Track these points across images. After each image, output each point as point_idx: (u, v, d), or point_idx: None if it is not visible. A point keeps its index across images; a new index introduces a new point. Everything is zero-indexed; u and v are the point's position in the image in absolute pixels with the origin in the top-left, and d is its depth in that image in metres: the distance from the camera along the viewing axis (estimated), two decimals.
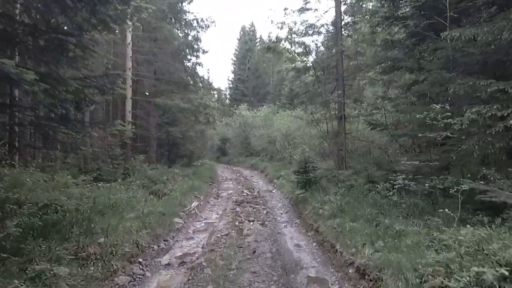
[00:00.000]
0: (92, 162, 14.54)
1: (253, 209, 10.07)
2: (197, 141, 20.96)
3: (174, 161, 19.87)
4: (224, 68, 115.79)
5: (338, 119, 10.68)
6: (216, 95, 49.37)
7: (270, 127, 27.48)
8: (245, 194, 13.05)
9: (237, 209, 10.00)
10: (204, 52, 20.13)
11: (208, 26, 20.53)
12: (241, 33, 56.68)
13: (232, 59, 57.88)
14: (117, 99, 18.80)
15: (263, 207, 10.49)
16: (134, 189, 10.47)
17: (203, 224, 8.40)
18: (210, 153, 46.68)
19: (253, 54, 53.42)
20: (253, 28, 56.30)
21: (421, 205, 5.84)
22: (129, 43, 17.48)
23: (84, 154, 14.29)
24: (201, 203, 10.76)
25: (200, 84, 22.23)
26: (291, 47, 14.26)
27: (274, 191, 15.76)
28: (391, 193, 6.42)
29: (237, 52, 56.62)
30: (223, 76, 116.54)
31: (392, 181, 6.55)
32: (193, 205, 9.98)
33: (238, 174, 24.32)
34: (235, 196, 12.71)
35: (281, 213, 9.74)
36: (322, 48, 18.48)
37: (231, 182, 19.86)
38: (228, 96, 57.71)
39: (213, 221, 8.73)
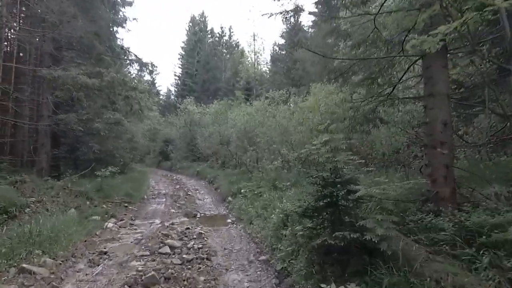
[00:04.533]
0: None
1: None
2: (113, 138, 13.82)
3: (89, 169, 12.50)
4: (172, 68, 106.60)
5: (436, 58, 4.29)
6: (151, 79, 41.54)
7: (223, 125, 21.04)
8: (174, 245, 6.04)
9: None
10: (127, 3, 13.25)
11: None
12: (190, 23, 49.66)
13: (179, 53, 50.56)
14: None
15: None
16: None
17: None
18: (151, 157, 39.28)
19: (203, 45, 46.67)
20: (203, 18, 49.61)
21: None
22: None
23: None
24: None
25: (124, 57, 15.17)
26: None
27: (230, 220, 9.36)
28: None
29: (185, 45, 49.44)
30: (169, 74, 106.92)
31: None
32: None
33: (178, 186, 17.50)
34: (146, 258, 5.47)
35: None
36: None
37: (163, 202, 13.04)
38: (173, 93, 50.24)
39: None
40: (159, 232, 6.98)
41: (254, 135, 15.37)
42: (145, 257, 5.36)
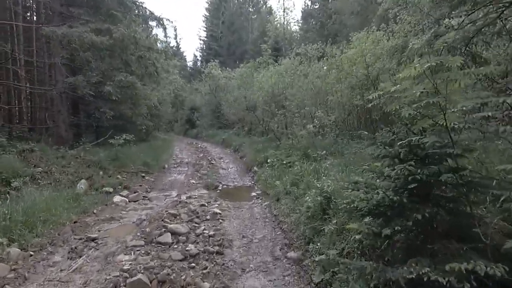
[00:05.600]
0: None
1: None
2: (130, 104, 12.72)
3: (107, 137, 11.52)
4: (196, 32, 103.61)
5: None
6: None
7: (249, 89, 19.48)
8: (178, 231, 4.74)
9: None
10: None
11: None
12: None
13: (204, 14, 48.51)
14: None
15: None
16: None
17: None
18: (179, 125, 38.94)
19: (228, 4, 44.03)
20: None
21: None
22: None
23: None
24: None
25: (137, 12, 13.75)
26: None
27: (255, 194, 8.16)
28: None
29: (209, 5, 47.02)
30: (196, 41, 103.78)
31: None
32: None
33: (202, 155, 16.51)
34: (139, 250, 4.15)
35: None
36: None
37: (184, 171, 12.07)
38: (199, 58, 48.76)
39: None
40: (166, 211, 5.77)
41: (283, 98, 13.78)
42: (139, 248, 4.17)
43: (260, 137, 16.68)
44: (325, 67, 11.94)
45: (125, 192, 8.17)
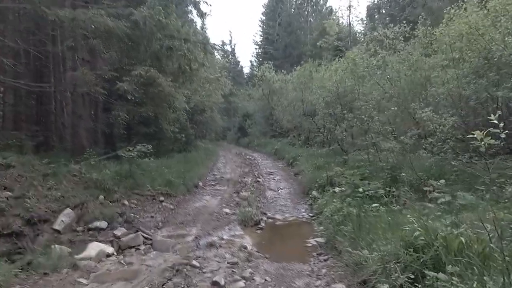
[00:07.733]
0: None
1: None
2: (163, 108, 10.32)
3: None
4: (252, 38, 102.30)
5: None
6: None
7: (306, 90, 16.31)
8: None
9: None
10: None
11: None
12: None
13: (260, 18, 46.55)
14: None
15: None
16: None
17: None
18: (232, 133, 37.14)
19: (285, 6, 41.34)
20: None
21: None
22: None
23: None
24: None
25: None
26: None
27: (314, 243, 5.05)
28: None
29: (265, 9, 44.87)
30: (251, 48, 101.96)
31: None
32: None
33: (248, 169, 13.61)
34: None
35: None
36: None
37: (220, 193, 9.30)
38: (254, 63, 46.66)
39: None
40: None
41: (352, 99, 10.38)
42: None
43: (320, 149, 13.40)
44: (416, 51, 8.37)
45: (121, 231, 5.54)
